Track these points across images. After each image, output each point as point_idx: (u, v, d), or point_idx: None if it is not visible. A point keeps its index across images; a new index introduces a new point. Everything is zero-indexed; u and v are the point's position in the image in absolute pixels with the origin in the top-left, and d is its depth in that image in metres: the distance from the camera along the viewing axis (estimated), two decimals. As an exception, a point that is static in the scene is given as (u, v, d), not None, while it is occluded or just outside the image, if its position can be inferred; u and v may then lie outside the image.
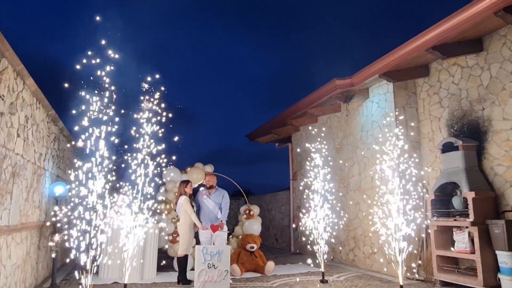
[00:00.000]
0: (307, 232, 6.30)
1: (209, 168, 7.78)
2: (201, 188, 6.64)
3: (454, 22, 4.90)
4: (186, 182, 6.19)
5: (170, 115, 5.52)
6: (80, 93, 4.47)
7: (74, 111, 4.36)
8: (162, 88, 5.50)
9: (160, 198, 7.10)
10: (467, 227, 5.08)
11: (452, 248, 5.34)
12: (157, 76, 5.38)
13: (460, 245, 5.19)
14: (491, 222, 4.85)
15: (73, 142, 6.51)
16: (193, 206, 6.02)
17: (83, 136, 4.32)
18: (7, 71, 3.82)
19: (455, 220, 5.26)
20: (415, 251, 5.98)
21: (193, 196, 6.40)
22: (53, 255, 5.36)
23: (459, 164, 5.39)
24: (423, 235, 6.02)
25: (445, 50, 5.51)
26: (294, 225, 10.17)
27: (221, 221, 6.18)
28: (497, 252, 4.74)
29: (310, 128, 8.95)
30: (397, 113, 6.53)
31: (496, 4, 4.42)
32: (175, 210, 6.79)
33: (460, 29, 4.92)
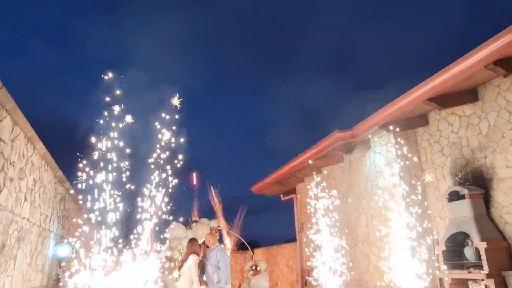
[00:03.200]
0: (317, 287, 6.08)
1: (214, 224, 7.69)
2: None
3: (448, 75, 5.10)
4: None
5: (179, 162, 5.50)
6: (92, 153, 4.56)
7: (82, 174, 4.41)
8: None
9: (165, 255, 6.94)
10: (482, 280, 4.89)
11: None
12: (183, 139, 5.50)
13: (478, 300, 4.96)
14: (507, 274, 4.69)
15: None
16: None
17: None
18: (18, 137, 3.96)
19: (469, 272, 5.08)
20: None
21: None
22: None
23: (467, 213, 5.31)
24: (438, 289, 5.78)
25: (441, 101, 5.67)
26: (302, 280, 9.79)
27: None
28: (517, 306, 4.53)
29: (314, 179, 8.94)
30: (399, 162, 6.56)
31: (485, 59, 4.63)
32: (179, 268, 6.60)
33: (453, 82, 5.10)
